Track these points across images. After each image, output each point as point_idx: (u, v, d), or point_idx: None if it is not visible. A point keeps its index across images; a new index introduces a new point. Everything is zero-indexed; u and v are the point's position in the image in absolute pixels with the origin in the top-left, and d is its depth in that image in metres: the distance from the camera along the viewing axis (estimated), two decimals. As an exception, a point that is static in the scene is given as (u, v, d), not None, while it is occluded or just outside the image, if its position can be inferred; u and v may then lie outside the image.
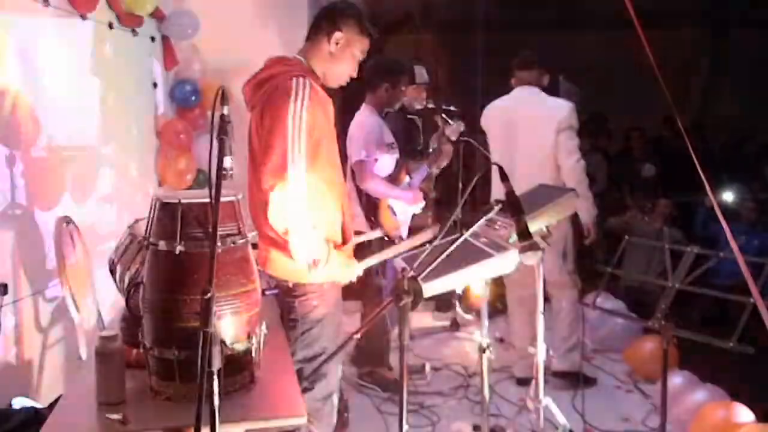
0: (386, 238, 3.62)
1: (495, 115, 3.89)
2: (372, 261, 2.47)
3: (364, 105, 3.76)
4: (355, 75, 2.42)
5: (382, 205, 3.67)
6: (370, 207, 3.66)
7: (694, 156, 2.18)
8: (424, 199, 3.74)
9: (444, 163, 3.77)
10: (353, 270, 2.38)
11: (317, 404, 2.32)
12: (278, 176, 2.11)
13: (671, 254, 2.55)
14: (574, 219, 3.64)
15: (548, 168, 3.62)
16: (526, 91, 3.77)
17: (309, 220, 2.15)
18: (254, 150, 2.31)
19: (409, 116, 4.29)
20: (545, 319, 2.73)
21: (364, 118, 3.69)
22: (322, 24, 2.35)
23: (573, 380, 3.69)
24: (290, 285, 2.31)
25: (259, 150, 2.26)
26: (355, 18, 2.34)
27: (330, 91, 2.35)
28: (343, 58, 2.35)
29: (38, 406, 2.60)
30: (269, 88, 2.22)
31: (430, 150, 3.78)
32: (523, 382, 3.73)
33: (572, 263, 3.84)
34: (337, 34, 2.31)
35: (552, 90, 3.92)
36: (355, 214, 3.59)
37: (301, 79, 2.16)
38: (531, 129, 3.67)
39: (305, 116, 2.13)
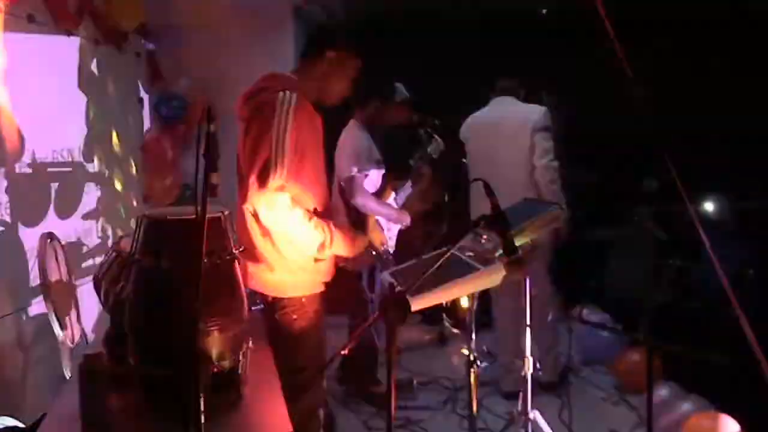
0: (374, 253, 3.63)
1: (474, 126, 4.00)
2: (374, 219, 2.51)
3: (352, 121, 3.78)
4: (348, 94, 2.46)
5: (370, 220, 3.68)
6: (358, 222, 3.67)
7: (672, 168, 2.21)
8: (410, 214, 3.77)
9: (423, 186, 3.83)
10: (361, 240, 2.43)
11: (302, 418, 2.31)
12: (263, 186, 2.13)
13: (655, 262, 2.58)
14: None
15: (524, 170, 3.73)
16: (502, 100, 3.91)
17: (301, 213, 2.18)
18: (241, 163, 2.32)
19: (388, 133, 4.31)
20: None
21: (354, 134, 3.71)
22: (315, 43, 2.40)
23: (559, 387, 3.78)
24: (270, 299, 2.32)
25: (244, 161, 2.27)
26: (347, 38, 2.39)
27: (317, 107, 2.37)
28: (335, 76, 2.39)
29: (21, 425, 2.57)
30: (257, 101, 2.25)
31: (411, 164, 3.82)
32: (510, 396, 3.74)
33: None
34: (330, 53, 2.35)
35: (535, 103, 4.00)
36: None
37: (288, 93, 2.19)
38: (508, 134, 3.78)
39: (290, 127, 2.15)
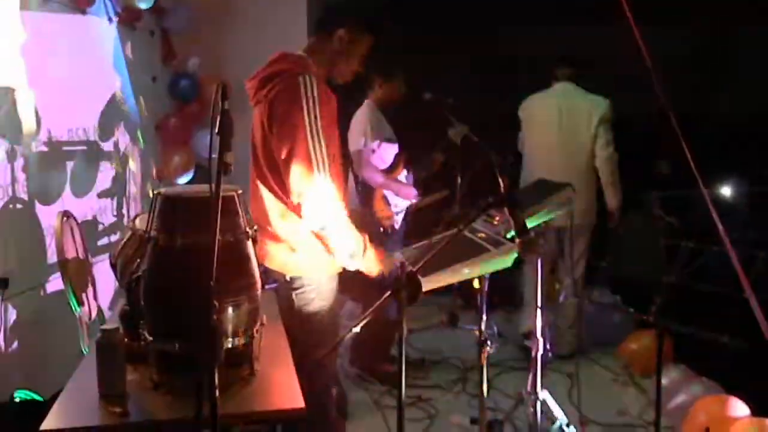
0: (380, 228, 3.67)
1: (535, 107, 4.16)
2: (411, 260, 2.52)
3: (367, 101, 3.85)
4: (361, 70, 2.45)
5: (378, 195, 3.73)
6: (366, 195, 3.72)
7: (686, 149, 2.20)
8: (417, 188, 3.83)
9: (432, 170, 3.88)
10: (389, 261, 2.39)
11: (314, 396, 2.33)
12: (306, 179, 2.15)
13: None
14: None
15: (584, 156, 3.96)
16: (564, 86, 4.06)
17: (344, 214, 2.21)
18: (257, 145, 2.33)
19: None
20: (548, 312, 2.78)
21: (365, 110, 3.79)
22: (327, 21, 2.38)
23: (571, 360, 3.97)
24: (287, 278, 2.34)
25: (262, 148, 2.29)
26: (359, 16, 2.38)
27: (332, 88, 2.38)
28: (348, 55, 2.38)
29: (39, 398, 2.62)
30: (276, 86, 2.24)
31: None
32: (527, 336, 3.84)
33: (571, 259, 3.92)
34: (341, 32, 2.34)
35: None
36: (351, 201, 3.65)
37: (307, 77, 2.19)
38: (573, 121, 3.97)
39: (319, 115, 2.16)
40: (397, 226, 3.78)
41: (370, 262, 2.30)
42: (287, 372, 1.87)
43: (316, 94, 2.17)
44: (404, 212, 3.87)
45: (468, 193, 4.39)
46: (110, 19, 3.87)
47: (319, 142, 2.16)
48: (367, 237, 2.30)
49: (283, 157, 2.19)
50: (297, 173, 2.16)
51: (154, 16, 4.50)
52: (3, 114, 2.88)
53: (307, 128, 2.15)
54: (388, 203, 3.77)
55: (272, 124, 2.23)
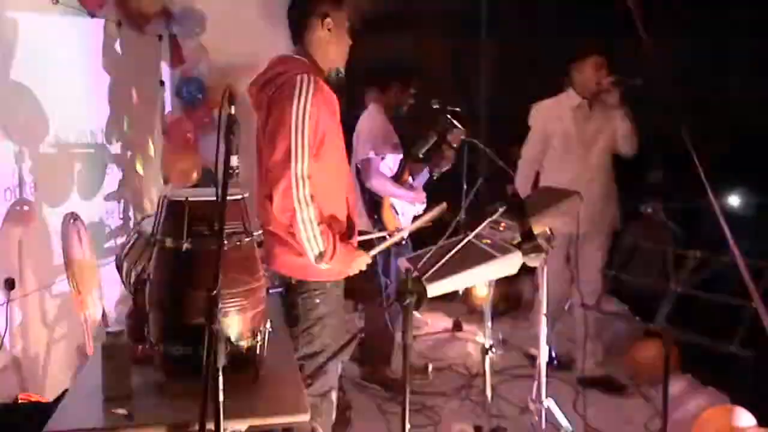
0: (388, 237, 3.65)
1: (534, 114, 3.99)
2: (379, 248, 2.51)
3: (372, 104, 3.80)
4: (351, 42, 2.44)
5: (385, 204, 3.70)
6: (373, 205, 3.69)
7: (696, 159, 2.19)
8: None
9: (445, 168, 3.83)
10: (361, 261, 2.38)
11: (316, 400, 2.33)
12: (283, 171, 2.14)
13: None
14: None
15: None
16: (563, 94, 3.94)
17: (314, 213, 2.17)
18: (261, 148, 2.33)
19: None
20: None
21: (372, 117, 3.74)
22: (307, 16, 2.36)
23: (606, 386, 3.80)
24: (293, 282, 2.34)
25: (264, 147, 2.28)
26: None
27: (335, 90, 2.38)
28: (339, 36, 2.38)
29: (44, 400, 2.63)
30: (274, 87, 2.25)
31: (421, 147, 3.84)
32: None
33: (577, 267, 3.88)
34: (328, 20, 2.34)
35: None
36: (359, 212, 3.63)
37: (305, 76, 2.19)
38: None
39: (309, 112, 2.15)
40: (405, 235, 3.76)
41: (339, 264, 2.27)
42: (292, 376, 1.87)
43: (311, 91, 2.16)
44: (412, 220, 3.85)
45: (474, 199, 4.39)
46: (119, 23, 3.89)
47: (302, 137, 2.14)
48: (337, 237, 2.25)
49: (267, 148, 2.20)
50: (275, 164, 2.16)
51: (163, 20, 4.52)
52: (11, 116, 2.90)
53: (293, 122, 2.14)
54: (396, 212, 3.74)
55: (267, 123, 2.24)
